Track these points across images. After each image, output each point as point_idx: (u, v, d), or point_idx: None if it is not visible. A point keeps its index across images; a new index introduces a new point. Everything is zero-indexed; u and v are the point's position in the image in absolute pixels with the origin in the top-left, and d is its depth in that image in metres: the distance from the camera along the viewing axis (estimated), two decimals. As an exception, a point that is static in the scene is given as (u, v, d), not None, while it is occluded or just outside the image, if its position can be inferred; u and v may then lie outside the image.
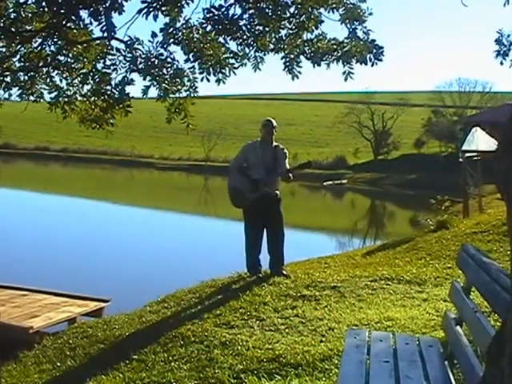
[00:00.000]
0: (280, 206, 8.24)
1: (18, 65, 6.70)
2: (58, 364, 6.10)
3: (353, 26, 6.31)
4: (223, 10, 5.87)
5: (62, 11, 5.83)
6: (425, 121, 54.97)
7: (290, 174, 8.13)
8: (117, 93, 6.28)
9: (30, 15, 6.36)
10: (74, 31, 6.36)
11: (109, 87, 6.38)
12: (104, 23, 5.37)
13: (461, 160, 19.63)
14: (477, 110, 52.48)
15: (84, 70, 6.59)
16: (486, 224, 11.31)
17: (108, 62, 6.37)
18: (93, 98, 6.74)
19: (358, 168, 50.71)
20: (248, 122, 71.31)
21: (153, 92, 6.30)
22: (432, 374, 3.45)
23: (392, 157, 52.80)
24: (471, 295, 3.73)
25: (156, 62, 6.08)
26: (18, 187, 39.51)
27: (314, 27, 6.34)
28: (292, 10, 6.24)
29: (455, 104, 54.92)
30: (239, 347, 5.58)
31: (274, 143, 8.26)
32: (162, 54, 6.14)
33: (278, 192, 8.22)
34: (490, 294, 2.99)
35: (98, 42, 6.50)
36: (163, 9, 5.82)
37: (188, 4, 6.00)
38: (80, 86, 6.78)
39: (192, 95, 6.56)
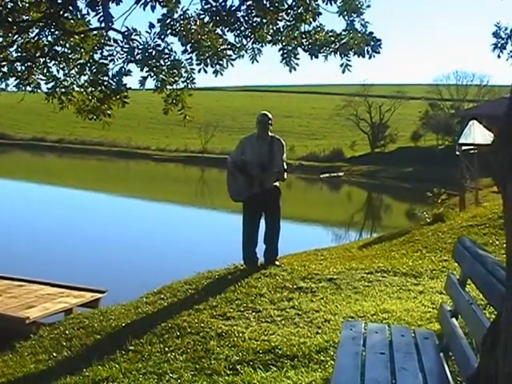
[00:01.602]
0: (279, 199, 8.27)
1: (14, 55, 6.68)
2: (55, 354, 6.11)
3: (351, 19, 6.30)
4: (221, 1, 5.86)
5: (60, 1, 5.81)
6: (422, 114, 54.90)
7: (285, 174, 8.18)
8: (114, 84, 6.26)
9: (27, 5, 6.34)
10: (72, 21, 6.34)
11: (106, 78, 6.36)
12: (101, 13, 5.35)
13: (457, 153, 19.66)
14: (474, 103, 52.44)
15: (81, 61, 6.57)
16: (482, 217, 11.34)
17: (105, 53, 6.36)
18: (90, 89, 6.72)
19: (354, 161, 50.68)
20: (245, 114, 71.18)
21: (150, 83, 6.30)
22: (427, 365, 3.46)
23: (389, 150, 52.78)
24: (467, 288, 3.75)
25: (153, 53, 6.06)
26: (14, 178, 39.43)
27: (311, 19, 6.32)
28: (290, 1, 6.23)
29: (452, 97, 54.85)
30: (235, 338, 5.59)
31: (271, 134, 8.26)
32: (159, 45, 6.12)
33: (277, 184, 8.24)
34: (485, 286, 3.00)
35: (95, 32, 6.48)
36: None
37: (186, -5, 5.99)
38: (77, 76, 6.75)
39: (189, 86, 6.55)
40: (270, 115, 8.30)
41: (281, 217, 8.28)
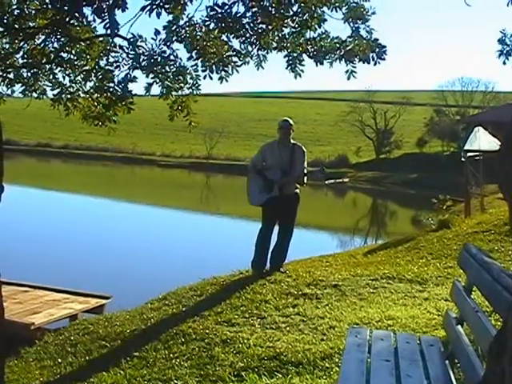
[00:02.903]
0: (297, 206, 8.24)
1: (21, 61, 6.72)
2: (59, 360, 6.11)
3: (356, 25, 6.32)
4: (226, 7, 5.89)
5: (66, 8, 5.84)
6: (427, 120, 54.85)
7: (305, 178, 8.16)
8: (119, 90, 6.29)
9: (33, 12, 6.37)
10: (77, 28, 6.38)
11: (111, 84, 6.39)
12: (107, 20, 5.38)
13: (463, 159, 19.60)
14: (479, 109, 52.38)
15: (87, 67, 6.61)
16: (487, 224, 11.30)
17: (111, 59, 6.41)
18: (95, 95, 6.75)
19: (359, 167, 50.66)
20: (250, 120, 71.28)
21: (155, 89, 6.32)
22: (433, 373, 3.45)
23: (394, 156, 52.75)
24: (472, 295, 3.73)
25: (159, 60, 6.09)
26: (19, 183, 39.50)
27: (317, 26, 6.35)
28: (295, 8, 6.25)
29: (458, 103, 54.83)
30: (240, 345, 5.59)
31: (292, 141, 8.28)
32: (164, 52, 6.15)
33: (297, 191, 8.22)
34: (491, 293, 2.99)
35: (101, 39, 6.52)
36: (166, 6, 5.83)
37: (191, 2, 6.02)
38: (83, 82, 6.79)
39: (194, 93, 6.57)
40: (291, 121, 8.33)
41: (295, 224, 8.26)
